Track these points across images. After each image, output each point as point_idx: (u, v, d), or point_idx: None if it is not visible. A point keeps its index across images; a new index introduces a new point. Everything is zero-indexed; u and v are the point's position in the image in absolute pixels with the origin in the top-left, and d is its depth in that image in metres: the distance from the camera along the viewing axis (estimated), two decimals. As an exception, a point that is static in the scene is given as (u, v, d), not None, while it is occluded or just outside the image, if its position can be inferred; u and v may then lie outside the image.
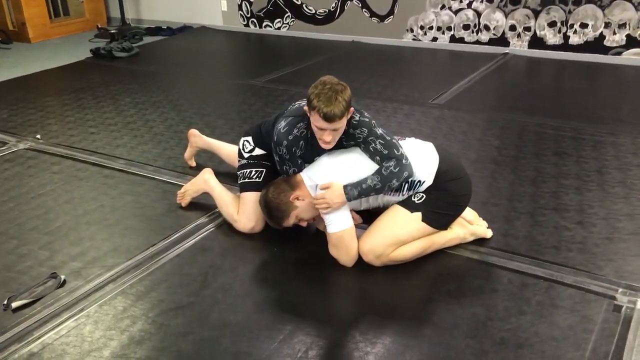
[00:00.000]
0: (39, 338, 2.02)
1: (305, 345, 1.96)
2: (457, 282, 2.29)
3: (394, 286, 2.29)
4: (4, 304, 2.17)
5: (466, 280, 2.30)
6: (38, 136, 3.85)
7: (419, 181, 2.37)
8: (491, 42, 5.81)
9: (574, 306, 2.11)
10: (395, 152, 2.30)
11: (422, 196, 2.38)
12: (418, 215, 2.35)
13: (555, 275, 2.29)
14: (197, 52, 6.29)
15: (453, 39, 5.99)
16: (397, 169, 2.28)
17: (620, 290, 2.19)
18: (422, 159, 2.40)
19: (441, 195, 2.37)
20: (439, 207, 2.37)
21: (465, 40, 5.94)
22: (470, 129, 3.82)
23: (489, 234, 2.55)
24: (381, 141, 2.30)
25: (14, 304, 2.16)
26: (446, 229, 2.44)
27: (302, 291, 2.28)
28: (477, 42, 5.88)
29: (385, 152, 2.29)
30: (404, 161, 2.29)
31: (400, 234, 2.33)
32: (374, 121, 2.36)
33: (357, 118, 2.33)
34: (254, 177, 2.61)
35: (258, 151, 2.63)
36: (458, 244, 2.49)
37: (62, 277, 2.32)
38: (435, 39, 6.08)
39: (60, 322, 2.10)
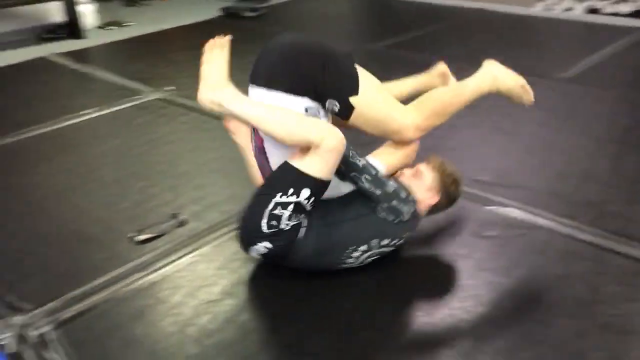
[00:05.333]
0: (158, 269, 2.21)
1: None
2: (565, 264, 2.21)
3: (503, 261, 2.26)
4: (131, 236, 2.39)
5: (574, 262, 2.22)
6: (170, 88, 4.12)
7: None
8: (633, 14, 5.39)
9: (691, 298, 1.99)
10: None
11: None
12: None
13: (674, 265, 2.16)
14: (323, 16, 6.36)
15: (589, 10, 5.62)
16: None
17: None
18: None
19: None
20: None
21: (603, 11, 5.54)
22: (596, 105, 3.60)
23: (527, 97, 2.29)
24: None
25: (139, 237, 2.38)
26: None
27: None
28: (616, 14, 5.47)
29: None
30: None
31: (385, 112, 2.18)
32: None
33: None
34: None
35: None
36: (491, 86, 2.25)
37: (183, 217, 2.52)
38: (569, 9, 5.73)
39: (178, 258, 2.28)
